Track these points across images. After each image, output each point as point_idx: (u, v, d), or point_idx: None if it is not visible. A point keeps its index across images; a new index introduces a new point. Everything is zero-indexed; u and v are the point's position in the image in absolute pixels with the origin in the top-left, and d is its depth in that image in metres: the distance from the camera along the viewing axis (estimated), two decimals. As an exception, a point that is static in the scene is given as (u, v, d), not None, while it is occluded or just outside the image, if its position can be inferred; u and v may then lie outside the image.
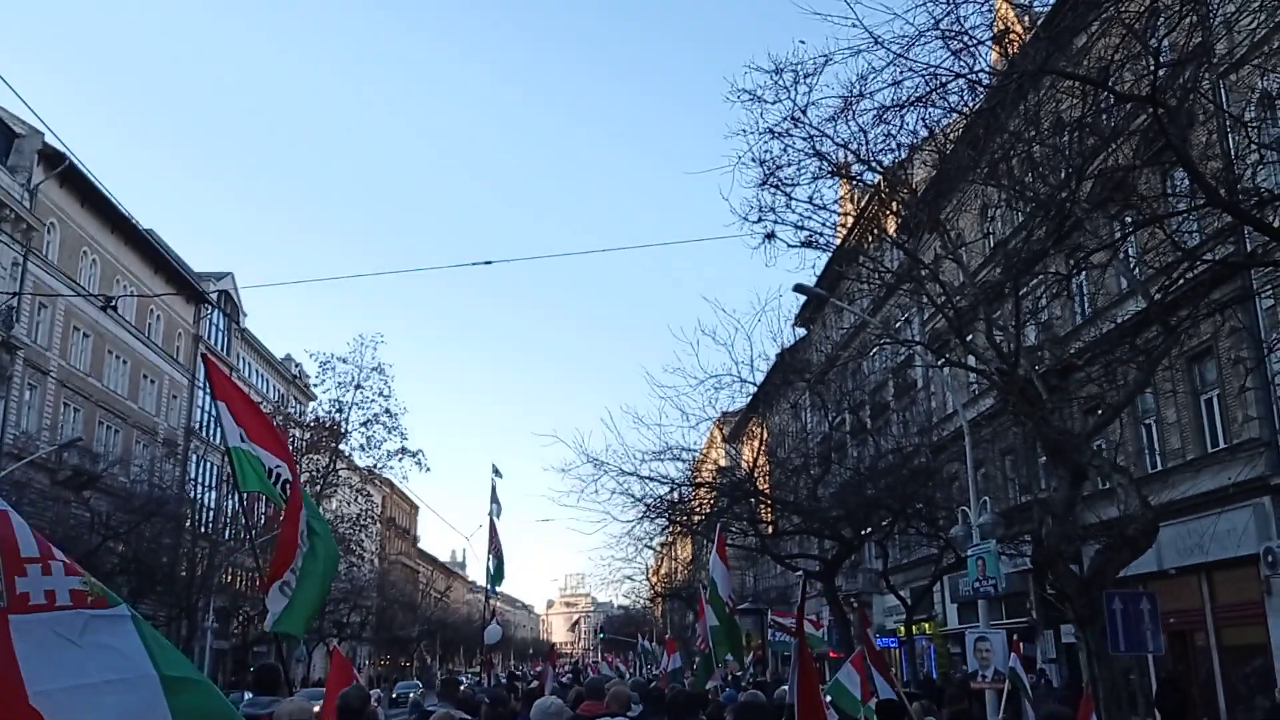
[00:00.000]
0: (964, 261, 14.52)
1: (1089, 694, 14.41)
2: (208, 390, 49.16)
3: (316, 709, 6.86)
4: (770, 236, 13.46)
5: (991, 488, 27.23)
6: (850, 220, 37.71)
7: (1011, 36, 14.08)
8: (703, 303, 57.49)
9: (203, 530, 46.58)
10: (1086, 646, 12.57)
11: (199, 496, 49.32)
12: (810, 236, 13.71)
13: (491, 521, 27.58)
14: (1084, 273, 14.19)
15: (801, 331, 38.50)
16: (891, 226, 22.11)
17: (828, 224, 16.54)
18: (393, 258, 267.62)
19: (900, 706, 10.02)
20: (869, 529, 25.82)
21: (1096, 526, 14.56)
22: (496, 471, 29.34)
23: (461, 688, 14.21)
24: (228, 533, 50.59)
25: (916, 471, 24.11)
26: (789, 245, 13.60)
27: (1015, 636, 17.91)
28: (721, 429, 43.20)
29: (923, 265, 13.67)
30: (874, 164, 14.55)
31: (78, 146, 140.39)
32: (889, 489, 23.22)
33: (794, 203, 13.51)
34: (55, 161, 38.24)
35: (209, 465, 54.10)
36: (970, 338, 13.98)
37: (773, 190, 13.44)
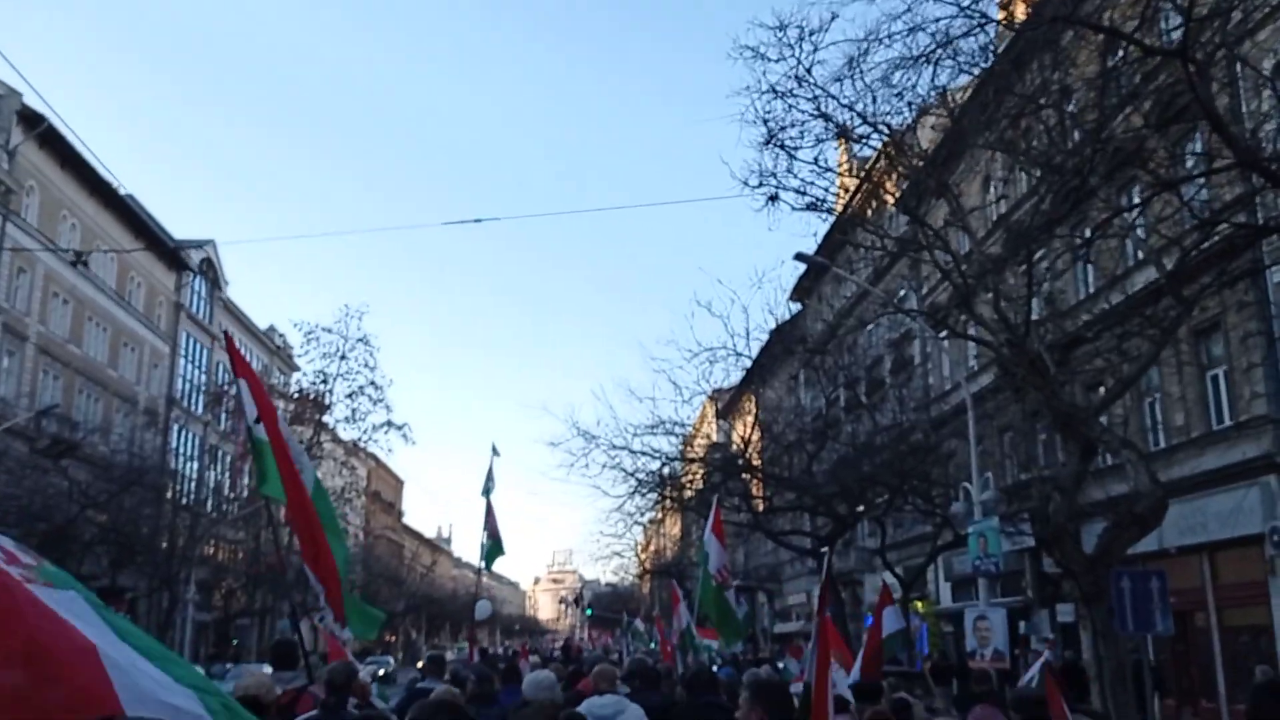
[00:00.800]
0: (971, 229, 13.94)
1: (1057, 677, 13.98)
2: (189, 359, 48.35)
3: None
4: (774, 199, 12.88)
5: (989, 465, 26.77)
6: (850, 189, 37.14)
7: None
8: (699, 274, 57.19)
9: (184, 501, 45.91)
10: (1092, 625, 12.13)
11: (180, 467, 48.61)
12: (814, 200, 13.12)
13: (488, 500, 27.27)
14: (1094, 244, 13.60)
15: (797, 307, 38.01)
16: (892, 196, 21.56)
17: (831, 189, 15.99)
18: (380, 219, 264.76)
19: (876, 688, 9.58)
20: (864, 506, 25.37)
21: (1104, 503, 14.08)
22: (495, 451, 29.15)
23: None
24: (210, 504, 49.96)
25: (915, 447, 23.61)
26: (792, 208, 13.02)
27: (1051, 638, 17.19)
28: (715, 403, 42.71)
29: (930, 230, 13.09)
30: (880, 126, 13.98)
31: (58, 107, 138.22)
32: (886, 465, 22.72)
33: (797, 164, 12.91)
34: (34, 122, 37.33)
35: (190, 435, 53.41)
36: (976, 310, 13.41)
37: (776, 151, 12.83)
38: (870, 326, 36.68)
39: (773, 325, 26.67)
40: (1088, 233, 13.00)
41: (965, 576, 29.89)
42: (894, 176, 18.74)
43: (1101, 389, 19.44)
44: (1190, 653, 20.88)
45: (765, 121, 12.71)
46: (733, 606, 14.40)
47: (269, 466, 7.59)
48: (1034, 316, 13.18)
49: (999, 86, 14.68)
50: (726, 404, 43.51)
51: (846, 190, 41.21)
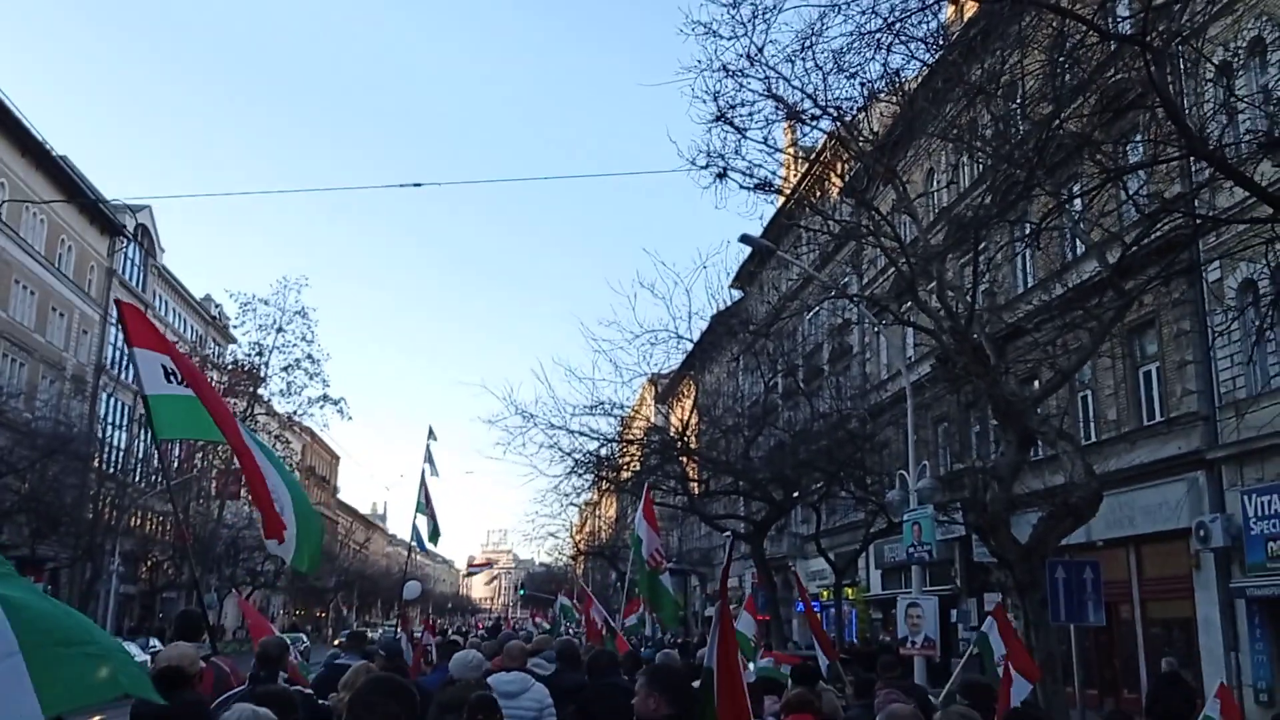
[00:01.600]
0: (917, 216, 13.93)
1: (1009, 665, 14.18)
2: (121, 326, 47.42)
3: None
4: (722, 175, 12.72)
5: (924, 455, 27.01)
6: (794, 177, 37.14)
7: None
8: (643, 256, 56.70)
9: (110, 471, 44.81)
10: (1024, 615, 12.17)
11: (108, 436, 47.45)
12: (762, 181, 13.00)
13: (424, 482, 27.15)
14: (1040, 234, 13.64)
15: (739, 294, 37.99)
16: (837, 184, 21.52)
17: (778, 172, 15.90)
18: (320, 182, 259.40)
19: (814, 671, 9.66)
20: (799, 492, 25.44)
21: (1039, 494, 14.19)
22: (432, 434, 29.22)
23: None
24: (138, 474, 48.88)
25: (852, 435, 23.71)
26: (741, 186, 12.88)
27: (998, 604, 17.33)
28: (655, 387, 42.63)
29: (877, 214, 13.03)
30: (829, 109, 13.88)
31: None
32: (823, 451, 22.78)
33: (746, 142, 12.76)
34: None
35: (119, 404, 52.17)
36: (920, 297, 13.40)
37: (725, 130, 12.67)
38: (810, 314, 36.91)
39: (715, 310, 26.58)
40: (1031, 225, 12.99)
41: (895, 564, 30.20)
42: (841, 163, 18.72)
43: (1036, 382, 19.66)
44: (1114, 644, 21.23)
45: (715, 98, 12.55)
46: (668, 589, 14.26)
47: (181, 411, 7.65)
48: (976, 306, 13.17)
49: (949, 75, 14.70)
50: (666, 388, 43.48)
51: (789, 181, 41.28)
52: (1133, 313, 17.22)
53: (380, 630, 55.08)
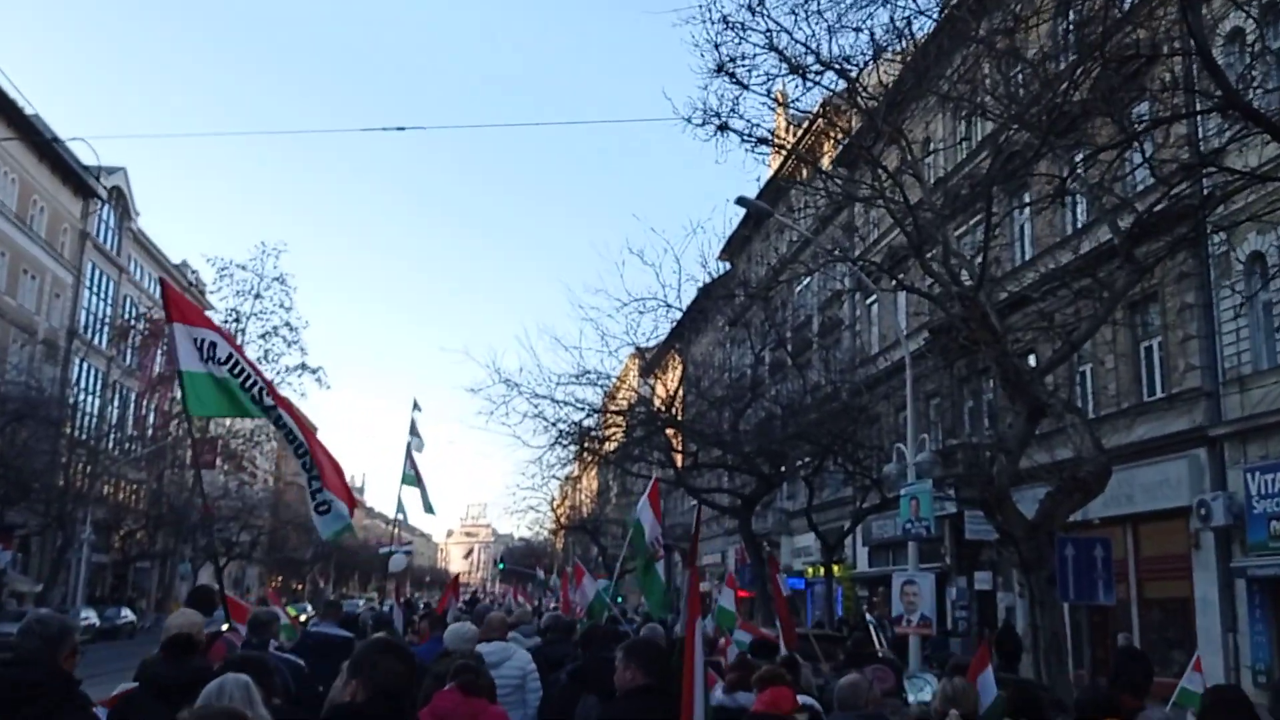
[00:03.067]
0: (923, 177, 13.31)
1: (988, 642, 13.70)
2: (95, 290, 45.98)
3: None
4: (723, 129, 12.05)
5: (921, 429, 26.56)
6: (787, 145, 36.43)
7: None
8: (633, 221, 55.61)
9: (82, 437, 43.89)
10: (1030, 593, 11.66)
11: (79, 401, 46.48)
12: (763, 136, 12.35)
13: (410, 454, 27.02)
14: (1055, 196, 13.02)
15: (727, 267, 37.34)
16: (830, 152, 20.86)
17: (775, 133, 15.22)
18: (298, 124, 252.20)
19: (772, 646, 9.95)
20: (788, 466, 24.93)
21: (1047, 468, 13.67)
22: (417, 406, 29.17)
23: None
24: (110, 441, 47.96)
25: (846, 407, 23.14)
26: (742, 139, 12.21)
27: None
28: (639, 360, 42.01)
29: (884, 172, 12.38)
30: (834, 64, 13.23)
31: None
32: (817, 423, 22.20)
33: (748, 95, 12.09)
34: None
35: (91, 369, 51.16)
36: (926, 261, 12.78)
37: (724, 84, 12.00)
38: (808, 279, 36.33)
39: (706, 277, 25.95)
40: (1056, 178, 12.34)
41: (885, 541, 29.79)
42: (835, 132, 18.05)
43: (1032, 356, 19.15)
44: (1108, 624, 20.83)
45: (716, 48, 11.86)
46: (660, 578, 13.86)
47: (218, 388, 7.93)
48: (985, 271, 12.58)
49: (956, 30, 14.07)
50: (651, 360, 42.84)
51: (783, 149, 40.55)
52: (1135, 286, 16.67)
53: (363, 601, 54.47)
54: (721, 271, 33.06)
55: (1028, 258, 21.91)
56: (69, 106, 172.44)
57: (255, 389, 8.02)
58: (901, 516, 16.87)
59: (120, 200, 55.70)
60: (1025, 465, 13.59)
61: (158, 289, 52.77)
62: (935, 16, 14.29)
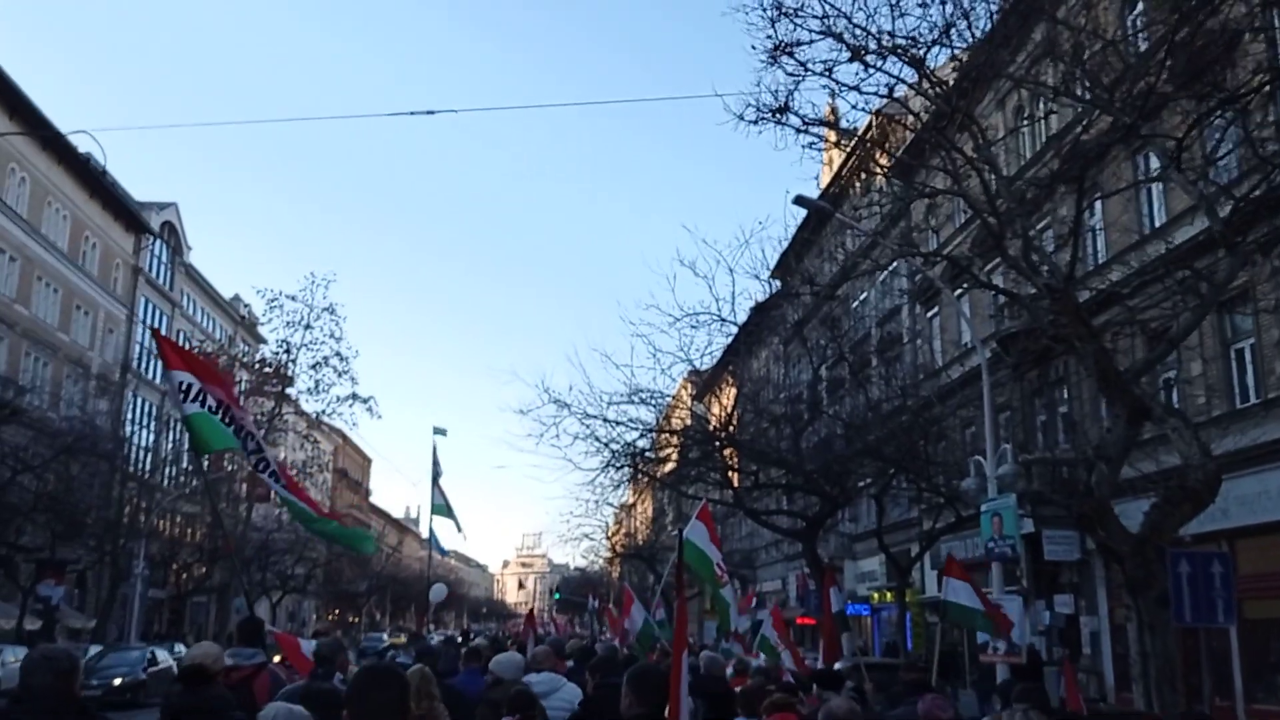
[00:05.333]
0: (999, 166, 12.31)
1: (1071, 664, 12.61)
2: (148, 325, 46.06)
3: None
4: (784, 110, 11.17)
5: (983, 449, 25.34)
6: (838, 162, 35.30)
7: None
8: (683, 235, 54.66)
9: (136, 471, 43.78)
10: (1138, 616, 10.56)
11: (133, 436, 46.47)
12: (824, 120, 11.45)
13: (436, 482, 26.95)
14: (1171, 163, 11.92)
15: (778, 285, 36.31)
16: (885, 157, 19.92)
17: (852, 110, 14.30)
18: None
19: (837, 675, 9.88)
20: (861, 483, 23.76)
21: (1152, 477, 12.53)
22: (438, 431, 29.14)
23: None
24: (163, 475, 47.88)
25: (918, 418, 21.95)
26: (804, 121, 11.31)
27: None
28: (689, 386, 41.05)
29: (960, 155, 11.36)
30: (898, 49, 12.31)
31: (5, 53, 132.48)
32: (886, 438, 21.05)
33: (805, 86, 11.19)
34: (-24, 68, 35.13)
35: (144, 403, 51.25)
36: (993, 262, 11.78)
37: (787, 59, 11.12)
38: (856, 303, 35.20)
39: (760, 290, 24.99)
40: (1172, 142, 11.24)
41: (978, 560, 28.41)
42: (902, 123, 17.07)
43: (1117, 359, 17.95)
44: (1201, 647, 19.42)
45: (774, 23, 10.98)
46: (729, 601, 13.23)
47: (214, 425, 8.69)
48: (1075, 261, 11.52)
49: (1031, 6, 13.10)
50: (705, 382, 41.85)
51: (831, 164, 39.46)
52: (1238, 276, 15.49)
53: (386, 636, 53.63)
54: (774, 289, 32.16)
55: (1104, 253, 20.68)
56: (120, 142, 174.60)
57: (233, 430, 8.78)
58: (983, 535, 15.73)
59: (172, 235, 56.05)
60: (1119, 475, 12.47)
61: (212, 324, 53.31)
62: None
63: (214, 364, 49.73)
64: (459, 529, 21.67)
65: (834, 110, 11.69)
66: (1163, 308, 13.17)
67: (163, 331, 56.12)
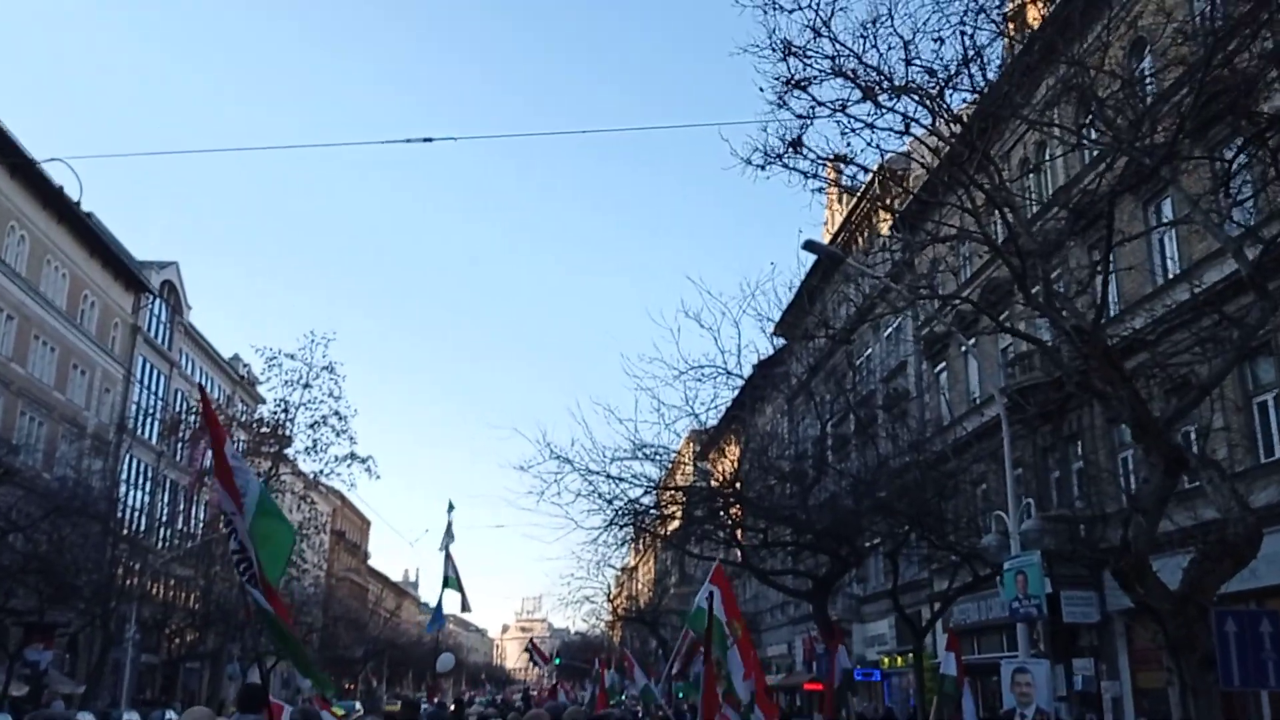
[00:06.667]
0: (1018, 206, 11.87)
1: None
2: (145, 385, 45.53)
3: None
4: (797, 144, 10.76)
5: (994, 507, 24.68)
6: (840, 216, 34.99)
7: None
8: (687, 286, 53.51)
9: (128, 532, 42.96)
10: (1180, 679, 9.89)
11: (126, 497, 45.74)
12: (839, 155, 11.05)
13: (449, 556, 26.78)
14: (1220, 185, 11.47)
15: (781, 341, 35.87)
16: (891, 210, 19.52)
17: (846, 170, 13.91)
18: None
19: None
20: (872, 541, 23.05)
21: (1189, 531, 11.91)
22: (451, 507, 29.95)
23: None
24: (157, 537, 47.06)
25: (930, 474, 21.31)
26: (817, 158, 10.91)
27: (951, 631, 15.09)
28: (692, 445, 40.39)
29: (983, 191, 10.87)
30: (911, 89, 11.95)
31: (8, 113, 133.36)
32: (898, 494, 20.40)
33: (820, 115, 10.81)
34: (-23, 124, 34.99)
35: (139, 463, 50.55)
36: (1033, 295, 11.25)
37: (797, 97, 10.75)
38: (860, 360, 34.73)
39: (766, 344, 24.48)
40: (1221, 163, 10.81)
41: (968, 626, 27.61)
42: (892, 198, 16.73)
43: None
44: (1238, 711, 18.59)
45: (785, 57, 10.61)
46: (733, 669, 12.54)
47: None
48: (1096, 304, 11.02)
49: (1047, 46, 12.78)
50: (708, 441, 41.22)
51: (832, 221, 39.19)
52: (1269, 320, 15.00)
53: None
54: (778, 346, 31.69)
55: (1116, 298, 20.23)
56: (121, 201, 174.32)
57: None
58: (1005, 595, 15.06)
59: (172, 294, 55.78)
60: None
61: (210, 384, 52.63)
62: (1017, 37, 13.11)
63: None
64: (466, 607, 21.06)
65: (838, 159, 11.26)
66: (1193, 353, 12.67)
67: (159, 392, 55.68)
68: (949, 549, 21.38)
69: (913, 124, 11.85)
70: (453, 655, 37.39)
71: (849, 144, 10.84)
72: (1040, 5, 14.33)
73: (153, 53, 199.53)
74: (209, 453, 49.65)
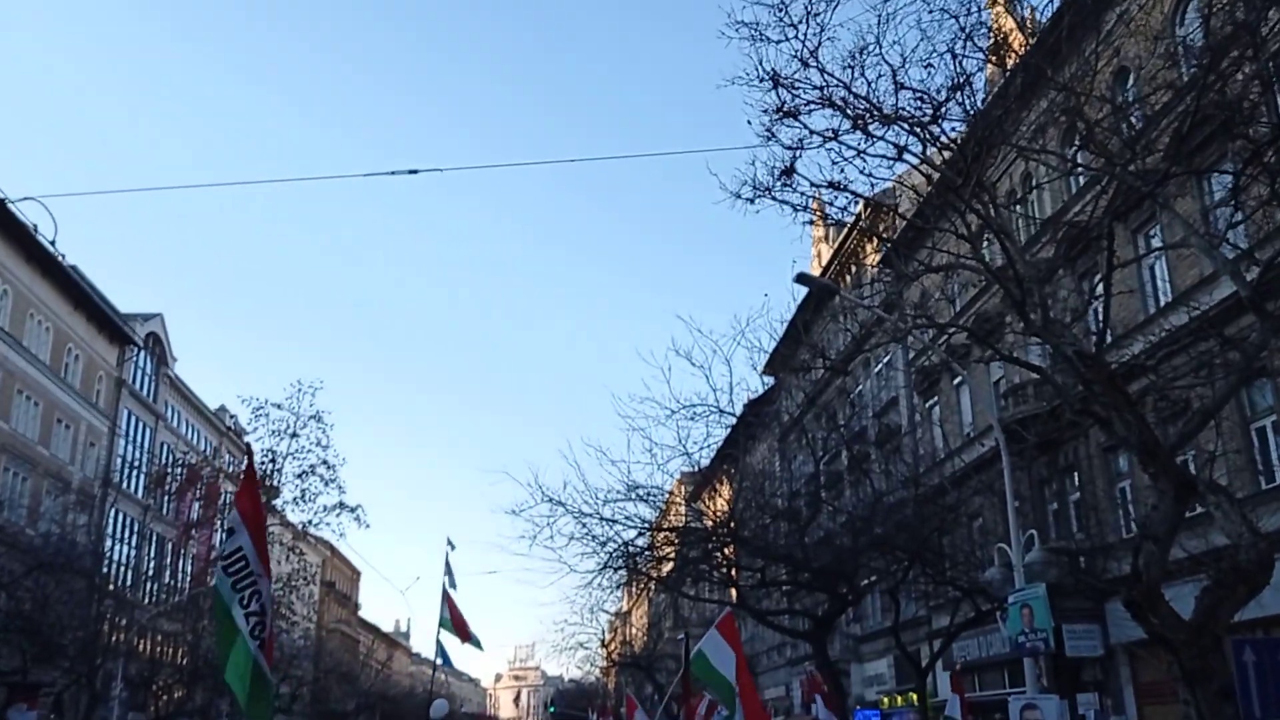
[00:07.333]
0: (1012, 233, 11.75)
1: None
2: (130, 438, 44.77)
3: None
4: (789, 172, 10.64)
5: (990, 541, 24.41)
6: (827, 255, 35.00)
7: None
8: (677, 324, 52.37)
9: (114, 587, 42.29)
10: (1198, 712, 9.60)
11: (111, 551, 45.11)
12: (834, 182, 10.93)
13: (447, 595, 26.47)
14: (1231, 198, 11.34)
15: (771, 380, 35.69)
16: (875, 257, 19.46)
17: (837, 200, 13.81)
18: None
19: None
20: (869, 579, 22.72)
21: (1199, 558, 11.69)
22: (451, 545, 29.10)
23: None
24: (144, 591, 46.35)
25: (933, 501, 21.03)
26: (811, 184, 10.80)
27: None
28: (684, 487, 40.02)
29: (979, 216, 10.73)
30: (901, 118, 11.87)
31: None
32: (900, 528, 20.13)
33: (811, 144, 10.70)
34: (-41, 178, 34.72)
35: (124, 516, 49.91)
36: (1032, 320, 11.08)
37: (787, 125, 10.66)
38: (852, 394, 34.56)
39: (759, 382, 24.29)
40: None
41: (969, 664, 27.25)
42: (878, 236, 16.67)
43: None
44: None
45: (776, 84, 10.51)
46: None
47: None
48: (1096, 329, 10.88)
49: (1032, 76, 12.74)
50: (699, 484, 40.86)
51: (820, 257, 39.17)
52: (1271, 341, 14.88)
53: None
54: (769, 385, 31.51)
55: (1114, 325, 20.17)
56: (101, 250, 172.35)
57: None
58: (1011, 629, 14.78)
59: (157, 346, 55.40)
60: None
61: (195, 435, 52.18)
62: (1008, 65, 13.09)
63: (198, 475, 48.89)
64: (478, 645, 20.78)
65: (831, 186, 11.16)
66: (1194, 377, 12.52)
67: (144, 446, 55.18)
68: (950, 584, 21.07)
69: (904, 152, 11.77)
70: (446, 702, 36.83)
71: (843, 171, 10.69)
72: (1025, 33, 14.36)
73: (124, 91, 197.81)
74: (195, 505, 49.39)
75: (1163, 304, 18.55)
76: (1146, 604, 9.58)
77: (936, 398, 30.07)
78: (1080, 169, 12.63)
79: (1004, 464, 16.23)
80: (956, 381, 28.38)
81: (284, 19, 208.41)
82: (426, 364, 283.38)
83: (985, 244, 11.59)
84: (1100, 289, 14.94)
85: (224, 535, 9.55)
